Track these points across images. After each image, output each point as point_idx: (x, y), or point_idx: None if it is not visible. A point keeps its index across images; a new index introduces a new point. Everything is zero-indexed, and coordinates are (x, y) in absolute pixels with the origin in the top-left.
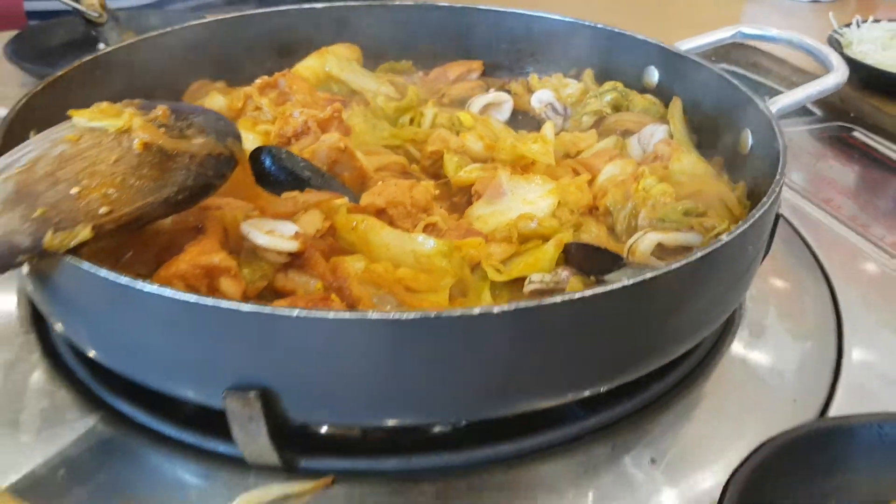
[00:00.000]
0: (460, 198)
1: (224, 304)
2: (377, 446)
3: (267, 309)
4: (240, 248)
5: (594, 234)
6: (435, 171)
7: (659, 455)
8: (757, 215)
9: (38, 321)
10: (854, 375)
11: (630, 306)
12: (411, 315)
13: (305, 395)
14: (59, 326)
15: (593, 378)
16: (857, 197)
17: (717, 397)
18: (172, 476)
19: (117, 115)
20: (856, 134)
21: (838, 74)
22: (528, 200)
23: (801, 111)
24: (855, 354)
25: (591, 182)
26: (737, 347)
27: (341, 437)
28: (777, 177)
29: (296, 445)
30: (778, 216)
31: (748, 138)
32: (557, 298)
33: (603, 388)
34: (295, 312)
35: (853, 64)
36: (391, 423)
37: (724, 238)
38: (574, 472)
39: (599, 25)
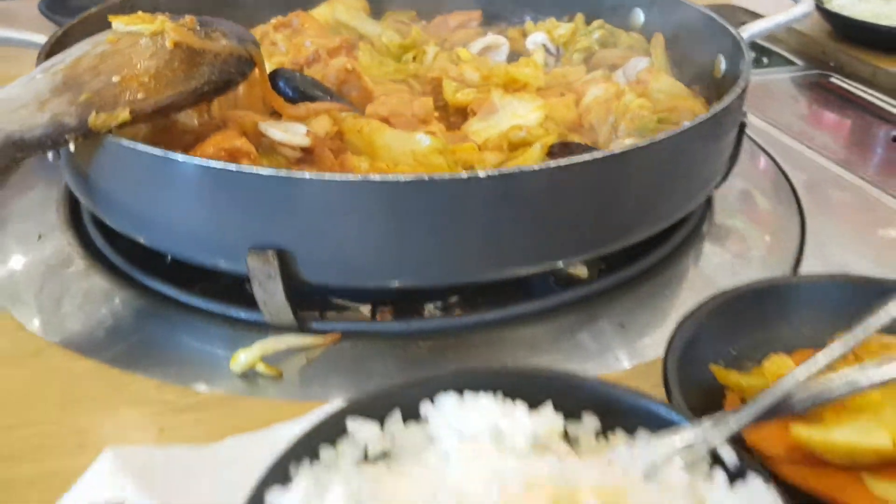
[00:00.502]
0: (457, 118)
1: (246, 168)
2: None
3: (283, 172)
4: (258, 145)
5: None
6: (434, 97)
7: (628, 321)
8: (718, 109)
9: (76, 221)
10: (811, 266)
11: (600, 179)
12: (408, 177)
13: (316, 256)
14: (97, 210)
15: (570, 248)
16: (831, 131)
17: (686, 280)
18: (201, 335)
19: (151, 21)
20: (833, 80)
21: (805, 5)
22: (518, 115)
23: (784, 62)
24: (813, 249)
25: (577, 103)
26: (708, 243)
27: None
28: (739, 80)
29: (310, 310)
30: (743, 125)
31: (721, 63)
32: (536, 166)
33: (579, 259)
34: (307, 175)
35: (832, 16)
36: (391, 284)
37: (686, 125)
38: (552, 334)
39: None
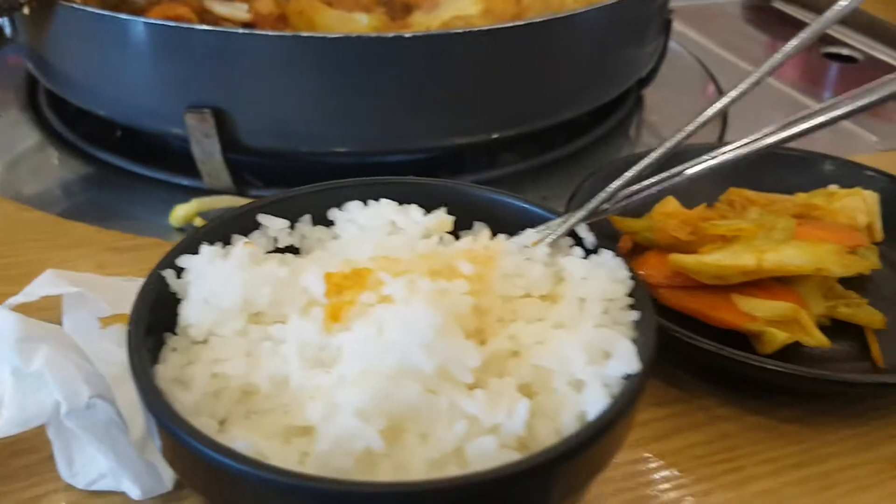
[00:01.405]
0: (404, 13)
1: (184, 24)
2: None
3: (217, 28)
4: (202, 21)
5: None
6: None
7: (550, 195)
8: None
9: (33, 103)
10: None
11: (523, 49)
12: (337, 34)
13: (250, 116)
14: (49, 81)
15: (500, 121)
16: (767, 49)
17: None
18: (144, 198)
19: None
20: (774, 4)
21: None
22: (459, 8)
23: None
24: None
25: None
26: (633, 133)
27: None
28: None
29: (249, 180)
30: (668, 21)
31: None
32: (461, 29)
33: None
34: (240, 31)
35: None
36: (328, 149)
37: (606, 2)
38: None
39: None
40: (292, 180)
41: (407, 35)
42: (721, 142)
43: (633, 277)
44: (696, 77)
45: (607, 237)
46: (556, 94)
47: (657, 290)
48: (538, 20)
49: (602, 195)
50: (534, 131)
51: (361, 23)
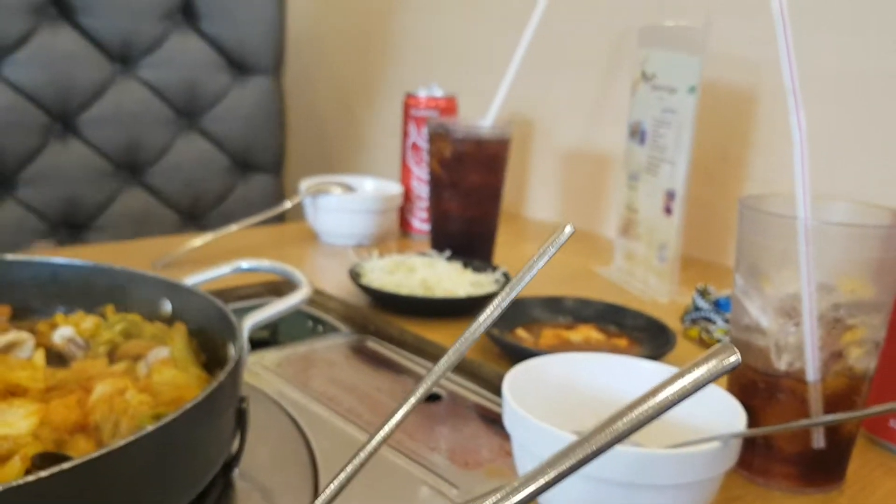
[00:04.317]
0: None
1: None
2: None
3: None
4: None
5: (81, 447)
6: None
7: None
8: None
9: None
10: None
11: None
12: None
13: None
14: None
15: None
16: (354, 390)
17: None
18: None
19: None
20: (369, 343)
21: (304, 291)
22: (8, 423)
23: (332, 328)
24: None
25: (85, 402)
26: None
27: None
28: (222, 376)
29: None
30: (243, 410)
31: (230, 349)
32: None
33: None
34: None
35: (366, 288)
36: None
37: (147, 429)
38: None
39: (117, 268)
40: None
41: None
42: None
43: None
44: (293, 442)
45: None
46: None
47: None
48: (83, 460)
49: None
50: None
51: None
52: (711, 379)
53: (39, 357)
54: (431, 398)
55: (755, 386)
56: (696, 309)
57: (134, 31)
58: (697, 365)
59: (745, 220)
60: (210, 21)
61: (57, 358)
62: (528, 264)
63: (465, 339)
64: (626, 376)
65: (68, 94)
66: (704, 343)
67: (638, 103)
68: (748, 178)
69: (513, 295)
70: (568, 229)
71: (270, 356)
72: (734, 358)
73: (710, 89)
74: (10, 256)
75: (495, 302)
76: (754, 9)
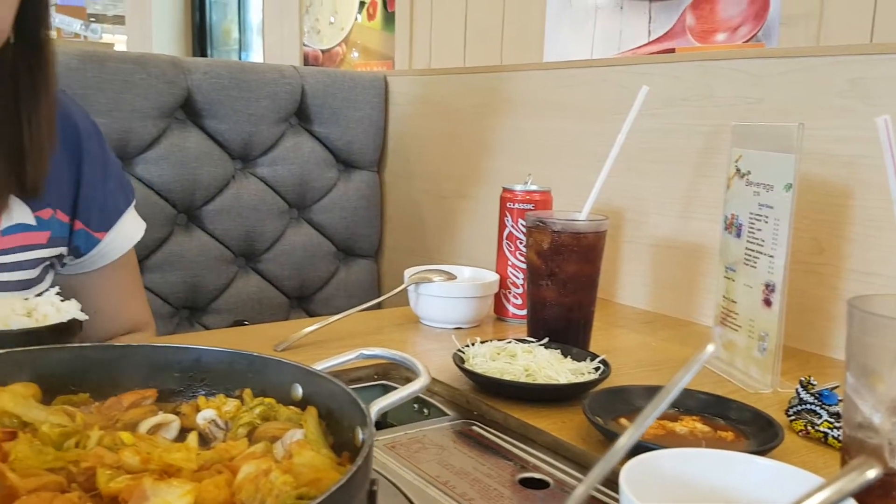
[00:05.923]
0: None
1: None
2: None
3: None
4: None
5: None
6: (90, 485)
7: None
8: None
9: None
10: None
11: None
12: None
13: None
14: None
15: None
16: (465, 475)
17: None
18: None
19: None
20: (474, 427)
21: (422, 380)
22: (167, 502)
23: (438, 412)
24: None
25: (231, 482)
26: None
27: None
28: (359, 460)
29: None
30: (373, 492)
31: (360, 434)
32: None
33: None
34: None
35: (470, 373)
36: None
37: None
38: None
39: (255, 354)
40: None
41: None
42: None
43: None
44: None
45: None
46: None
47: None
48: None
49: None
50: None
51: None
52: (854, 491)
53: (193, 439)
54: (538, 485)
55: (870, 484)
56: (800, 402)
57: (254, 133)
58: (838, 477)
59: (855, 320)
60: (321, 123)
61: (200, 438)
62: (673, 380)
63: (613, 453)
64: (743, 474)
65: (193, 189)
66: (810, 436)
67: (733, 197)
68: (846, 270)
69: (662, 408)
70: (710, 348)
71: (383, 438)
72: (873, 472)
73: (802, 183)
74: (156, 342)
75: (644, 412)
76: (842, 110)
